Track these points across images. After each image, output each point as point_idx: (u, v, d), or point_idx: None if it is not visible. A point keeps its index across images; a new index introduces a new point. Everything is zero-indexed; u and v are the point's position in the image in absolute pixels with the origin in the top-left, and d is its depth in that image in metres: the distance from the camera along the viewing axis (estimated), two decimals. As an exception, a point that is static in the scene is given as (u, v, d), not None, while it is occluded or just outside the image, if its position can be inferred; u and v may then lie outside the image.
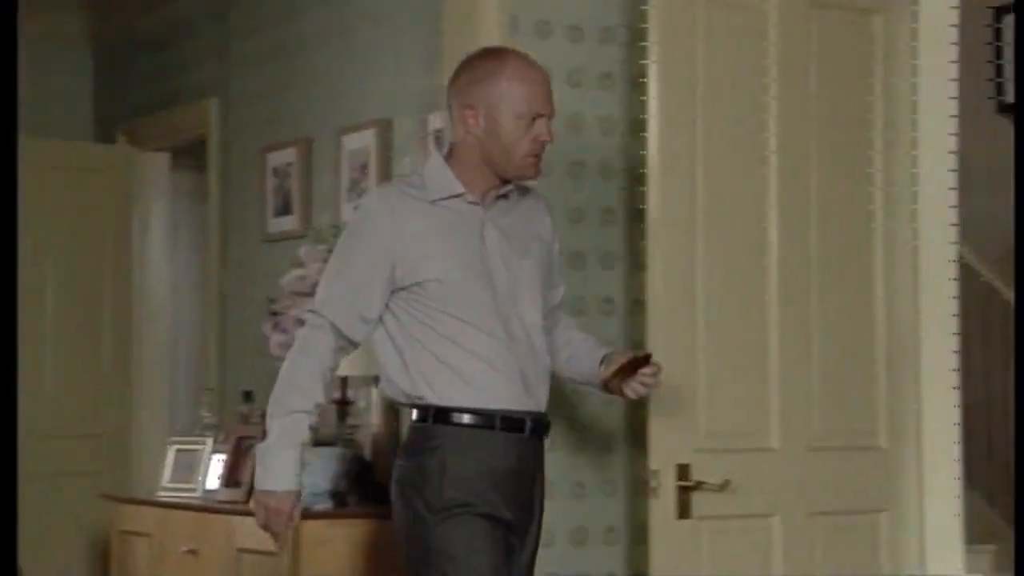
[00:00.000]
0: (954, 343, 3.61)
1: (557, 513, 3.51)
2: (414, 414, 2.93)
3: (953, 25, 3.60)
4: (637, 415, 3.45)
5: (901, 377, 3.53)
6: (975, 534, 4.67)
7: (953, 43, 3.59)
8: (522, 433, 2.89)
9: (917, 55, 3.60)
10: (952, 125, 3.58)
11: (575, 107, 3.59)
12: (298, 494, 2.92)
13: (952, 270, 3.62)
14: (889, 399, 3.51)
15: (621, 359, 2.96)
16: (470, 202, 2.94)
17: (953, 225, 3.61)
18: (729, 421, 3.29)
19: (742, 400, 3.31)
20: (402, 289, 2.89)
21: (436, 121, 4.01)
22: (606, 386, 3.00)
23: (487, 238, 2.93)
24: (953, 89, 3.59)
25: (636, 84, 3.49)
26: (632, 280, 3.58)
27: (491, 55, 3.02)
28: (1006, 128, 5.21)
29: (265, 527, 2.92)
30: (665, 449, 3.17)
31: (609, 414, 3.59)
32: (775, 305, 3.36)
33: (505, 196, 2.98)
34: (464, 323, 2.87)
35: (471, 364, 2.87)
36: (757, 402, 3.33)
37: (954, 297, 3.60)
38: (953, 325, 3.62)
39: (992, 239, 5.17)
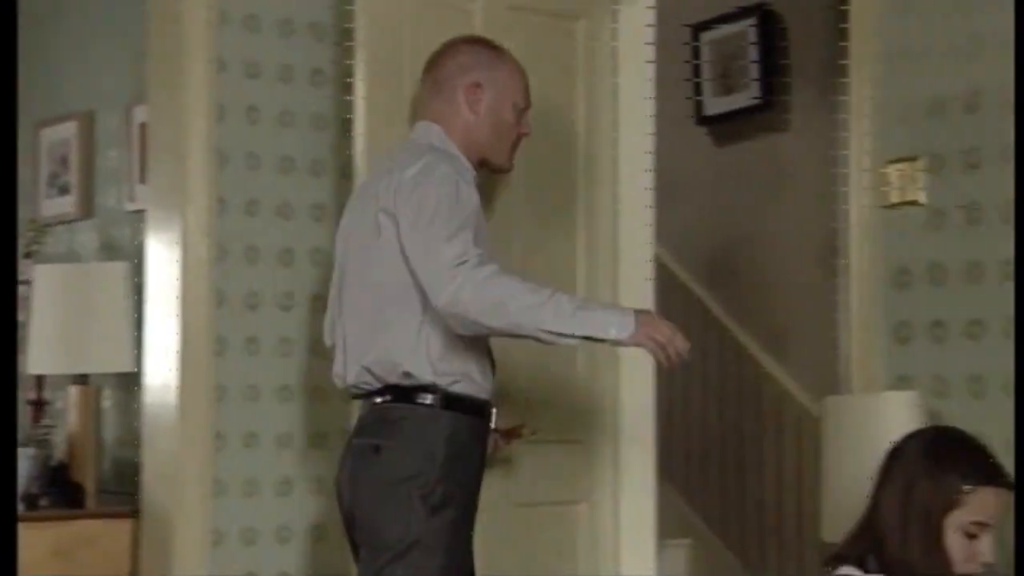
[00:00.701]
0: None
1: (263, 512, 3.49)
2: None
3: (649, 44, 3.77)
4: (344, 411, 3.46)
5: (601, 372, 3.66)
6: (672, 529, 4.88)
7: (649, 61, 3.76)
8: None
9: (617, 59, 3.75)
10: (649, 142, 3.76)
11: (286, 103, 3.58)
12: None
13: (649, 270, 3.78)
14: (588, 394, 3.63)
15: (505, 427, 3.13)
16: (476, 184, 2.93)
17: (649, 226, 3.78)
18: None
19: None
20: None
21: (141, 115, 3.92)
22: None
23: None
24: (650, 107, 3.76)
25: (346, 82, 3.51)
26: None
27: (484, 43, 3.07)
28: (703, 137, 5.49)
29: (669, 342, 2.69)
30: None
31: (318, 411, 3.58)
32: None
33: None
34: None
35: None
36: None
37: (651, 296, 3.76)
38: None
39: (688, 242, 5.41)
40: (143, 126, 3.85)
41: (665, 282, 4.96)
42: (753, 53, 5.23)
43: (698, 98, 5.47)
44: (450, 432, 2.82)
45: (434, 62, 3.05)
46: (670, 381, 5.12)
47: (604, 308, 2.84)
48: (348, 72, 3.36)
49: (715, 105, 5.43)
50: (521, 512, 3.45)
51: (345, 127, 3.55)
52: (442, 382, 2.82)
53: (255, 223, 3.54)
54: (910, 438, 2.52)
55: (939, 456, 2.44)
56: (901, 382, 3.22)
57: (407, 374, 2.83)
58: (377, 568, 2.77)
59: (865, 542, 2.47)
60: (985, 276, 3.12)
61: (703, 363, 5.30)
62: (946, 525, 2.40)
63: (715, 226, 5.41)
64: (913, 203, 3.26)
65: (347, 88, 3.39)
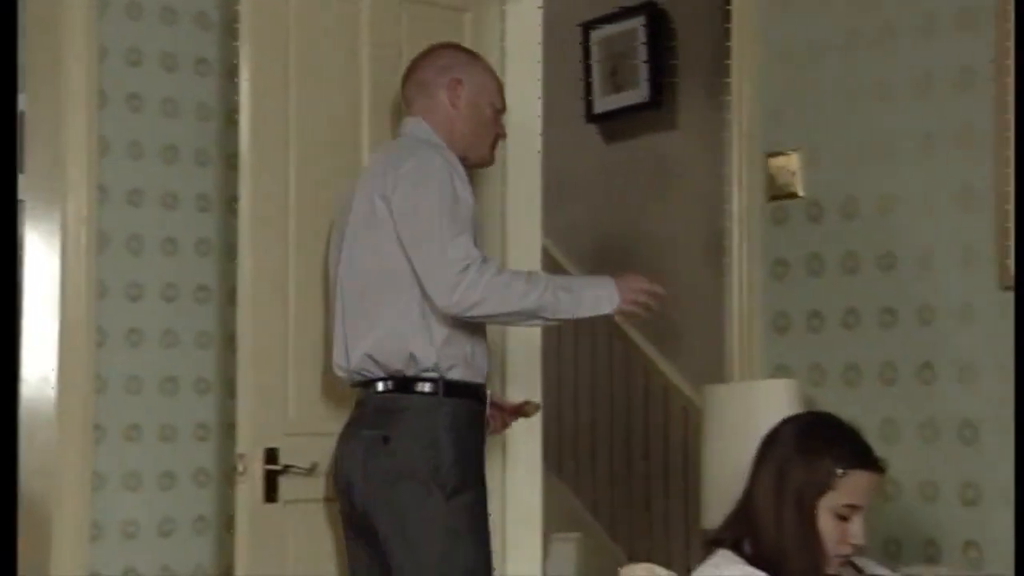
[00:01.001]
0: (538, 329, 3.79)
1: (145, 505, 3.45)
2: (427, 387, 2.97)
3: (537, 42, 3.79)
4: (229, 404, 3.44)
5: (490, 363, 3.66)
6: (561, 522, 4.92)
7: (538, 60, 3.79)
8: None
9: (505, 58, 3.77)
10: (537, 140, 3.78)
11: (169, 92, 3.54)
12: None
13: (537, 264, 3.79)
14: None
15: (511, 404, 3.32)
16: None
17: (537, 221, 3.81)
18: (319, 406, 3.31)
19: (332, 386, 3.35)
20: None
21: (19, 103, 3.84)
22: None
23: None
24: (538, 105, 3.78)
25: (231, 71, 3.48)
26: (227, 268, 3.56)
27: (460, 48, 3.29)
28: (593, 135, 5.53)
29: (648, 296, 2.97)
30: (254, 433, 3.16)
31: (203, 403, 3.55)
32: (366, 293, 3.42)
33: None
34: None
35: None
36: (347, 388, 3.38)
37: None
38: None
39: (577, 237, 5.45)
40: (21, 115, 3.77)
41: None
42: (642, 52, 5.29)
43: (588, 97, 5.52)
44: (451, 419, 2.96)
45: (414, 66, 3.24)
46: (559, 373, 5.17)
47: (592, 285, 3.00)
48: (233, 61, 3.33)
49: (605, 103, 5.48)
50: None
51: (230, 117, 3.53)
52: (443, 366, 2.96)
53: (138, 213, 3.50)
54: (785, 423, 2.57)
55: (812, 441, 2.48)
56: (780, 371, 3.28)
57: (412, 357, 2.96)
58: (416, 559, 2.91)
59: (741, 526, 2.51)
60: (860, 267, 3.18)
61: (591, 357, 5.34)
62: (819, 508, 2.45)
63: (604, 221, 5.46)
64: (792, 196, 3.32)
65: (232, 78, 3.36)
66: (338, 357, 3.09)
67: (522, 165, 3.77)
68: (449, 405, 2.96)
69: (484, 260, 2.91)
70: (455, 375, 2.98)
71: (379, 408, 3.00)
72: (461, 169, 3.05)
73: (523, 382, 3.74)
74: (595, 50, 5.50)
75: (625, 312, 2.99)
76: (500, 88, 3.25)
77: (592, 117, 5.53)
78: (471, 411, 3.01)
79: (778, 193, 3.35)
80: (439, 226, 2.91)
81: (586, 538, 5.29)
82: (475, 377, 3.02)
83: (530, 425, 3.75)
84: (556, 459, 5.36)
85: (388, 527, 2.94)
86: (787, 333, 3.32)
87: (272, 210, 3.27)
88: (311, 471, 3.22)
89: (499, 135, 3.25)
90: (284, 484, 3.19)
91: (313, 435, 3.27)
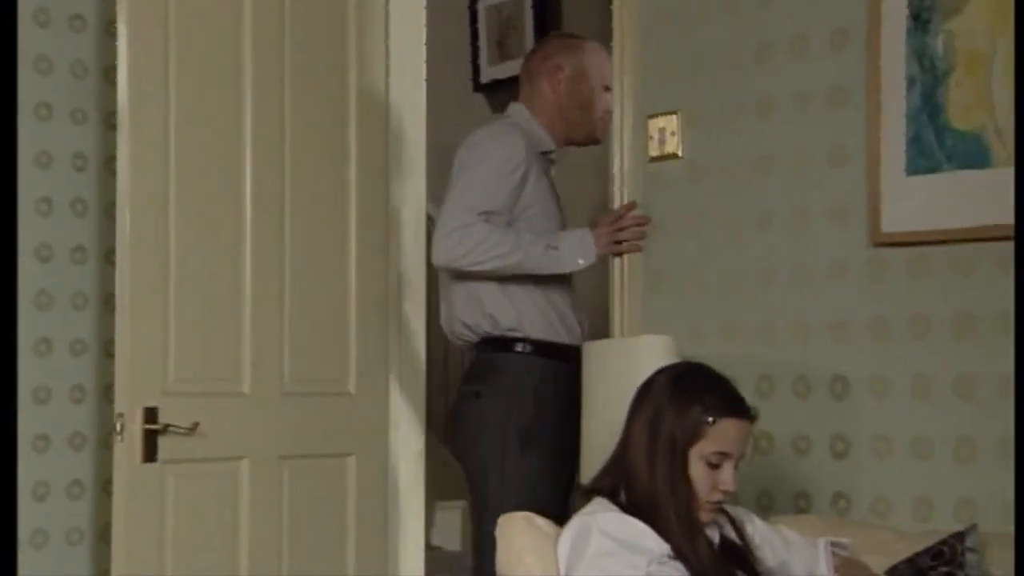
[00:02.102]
0: (422, 298, 3.80)
1: (20, 468, 3.39)
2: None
3: (422, 11, 3.79)
4: (107, 367, 3.39)
5: (371, 328, 3.66)
6: (448, 490, 4.92)
7: (422, 26, 3.79)
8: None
9: (389, 24, 3.76)
10: (422, 106, 3.80)
11: (42, 49, 3.47)
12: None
13: (422, 231, 3.81)
14: (360, 348, 3.63)
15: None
16: (552, 159, 3.54)
17: (422, 187, 3.83)
18: (200, 366, 3.29)
19: (214, 346, 3.33)
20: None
21: None
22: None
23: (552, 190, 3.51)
24: (422, 75, 3.80)
25: (109, 28, 3.42)
26: (105, 228, 3.51)
27: (567, 36, 3.72)
28: (481, 103, 5.53)
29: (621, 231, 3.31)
30: (132, 392, 3.13)
31: (79, 365, 3.49)
32: (249, 253, 3.39)
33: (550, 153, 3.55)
34: None
35: None
36: (230, 348, 3.36)
37: (423, 254, 3.79)
38: (421, 281, 3.81)
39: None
40: None
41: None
42: (530, 20, 5.30)
43: (476, 65, 5.51)
44: (539, 379, 3.32)
45: (527, 58, 3.68)
46: (446, 340, 5.16)
47: (568, 242, 3.34)
48: (110, 17, 3.27)
49: (492, 72, 5.48)
50: (287, 464, 3.43)
51: (108, 74, 3.47)
52: (526, 325, 3.34)
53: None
54: (658, 374, 2.61)
55: (684, 390, 2.52)
56: (659, 329, 3.31)
57: (492, 317, 3.35)
58: (481, 491, 3.34)
59: (616, 475, 2.55)
60: (740, 227, 3.23)
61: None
62: (691, 456, 2.49)
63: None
64: (672, 156, 3.36)
65: (109, 33, 3.30)
66: (443, 321, 3.51)
67: (406, 133, 3.77)
68: (539, 364, 3.32)
69: (473, 227, 3.25)
70: (539, 335, 3.34)
71: (478, 366, 3.41)
72: (524, 156, 3.36)
73: (407, 345, 3.75)
74: (482, 18, 5.50)
75: (612, 251, 3.33)
76: (602, 67, 3.52)
77: (479, 86, 5.52)
78: (558, 371, 3.31)
79: (658, 154, 3.39)
80: (460, 194, 3.29)
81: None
82: (561, 338, 3.37)
83: (413, 390, 3.76)
84: (442, 425, 5.37)
85: (467, 467, 3.38)
86: (666, 292, 3.35)
87: (152, 168, 3.23)
88: (192, 430, 3.19)
89: (605, 112, 3.51)
90: (164, 444, 3.16)
91: (194, 395, 3.25)
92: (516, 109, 3.60)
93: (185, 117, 3.29)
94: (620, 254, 3.36)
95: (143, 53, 3.22)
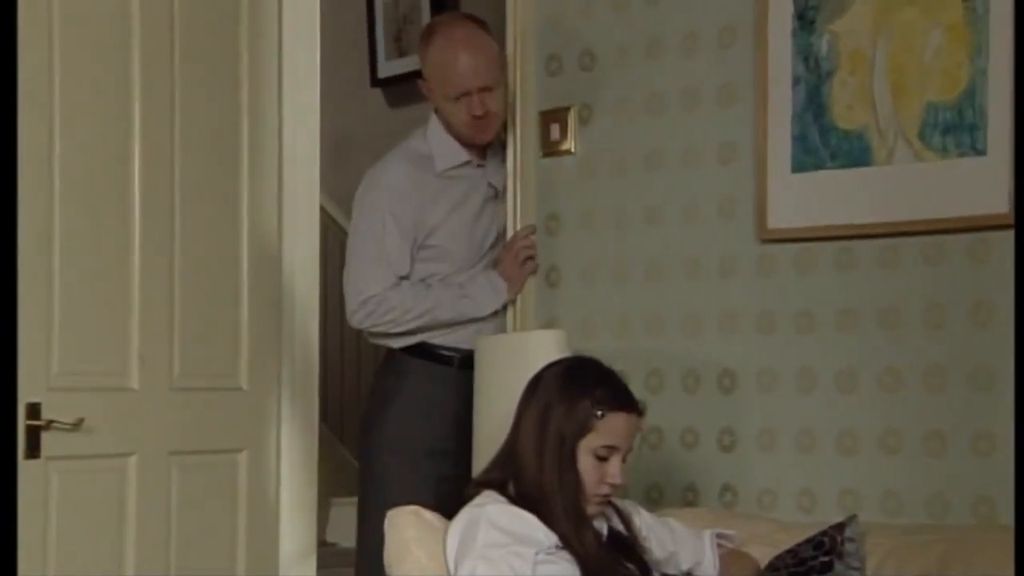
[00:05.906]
0: (315, 292, 3.78)
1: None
2: None
3: (316, 7, 3.76)
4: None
5: (263, 322, 3.63)
6: (343, 488, 4.90)
7: (316, 25, 3.76)
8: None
9: (282, 17, 3.73)
10: (315, 104, 3.76)
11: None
12: None
13: (315, 224, 3.78)
14: (251, 342, 3.60)
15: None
16: (477, 165, 3.39)
17: (315, 182, 3.79)
18: (87, 360, 3.23)
19: (101, 340, 3.27)
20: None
21: None
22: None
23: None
24: (316, 66, 3.76)
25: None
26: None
27: (427, 30, 3.42)
28: (378, 99, 5.52)
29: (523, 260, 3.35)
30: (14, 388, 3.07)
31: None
32: (137, 245, 3.34)
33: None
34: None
35: None
36: (118, 342, 3.31)
37: (317, 248, 3.77)
38: (315, 275, 3.79)
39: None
40: None
41: (335, 236, 5.00)
42: (427, 16, 5.29)
43: (373, 60, 5.50)
44: (443, 385, 3.35)
45: None
46: (341, 334, 5.14)
47: (480, 288, 3.35)
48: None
49: (389, 68, 5.47)
50: (176, 460, 3.39)
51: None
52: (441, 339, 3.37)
53: None
54: (548, 368, 2.62)
55: (573, 384, 2.54)
56: (552, 324, 3.34)
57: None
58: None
59: (506, 468, 2.56)
60: (631, 222, 3.26)
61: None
62: (579, 449, 2.50)
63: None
64: (566, 152, 3.38)
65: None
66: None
67: (300, 128, 3.74)
68: (442, 371, 3.35)
69: (386, 296, 3.29)
70: (449, 341, 3.36)
71: (385, 367, 3.48)
72: (408, 192, 3.31)
73: (299, 340, 3.72)
74: (379, 13, 5.48)
75: (527, 273, 3.38)
76: (453, 74, 3.27)
77: (376, 81, 5.51)
78: (460, 377, 3.32)
79: (551, 150, 3.40)
80: (367, 265, 3.31)
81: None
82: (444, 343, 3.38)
83: (306, 385, 3.73)
84: (338, 421, 5.35)
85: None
86: (559, 287, 3.37)
87: (35, 157, 3.17)
88: (77, 426, 3.14)
89: (473, 116, 3.29)
90: (47, 440, 3.10)
91: (79, 390, 3.20)
92: (431, 123, 3.42)
93: (72, 110, 3.23)
94: (534, 271, 3.39)
95: (25, 47, 3.15)
